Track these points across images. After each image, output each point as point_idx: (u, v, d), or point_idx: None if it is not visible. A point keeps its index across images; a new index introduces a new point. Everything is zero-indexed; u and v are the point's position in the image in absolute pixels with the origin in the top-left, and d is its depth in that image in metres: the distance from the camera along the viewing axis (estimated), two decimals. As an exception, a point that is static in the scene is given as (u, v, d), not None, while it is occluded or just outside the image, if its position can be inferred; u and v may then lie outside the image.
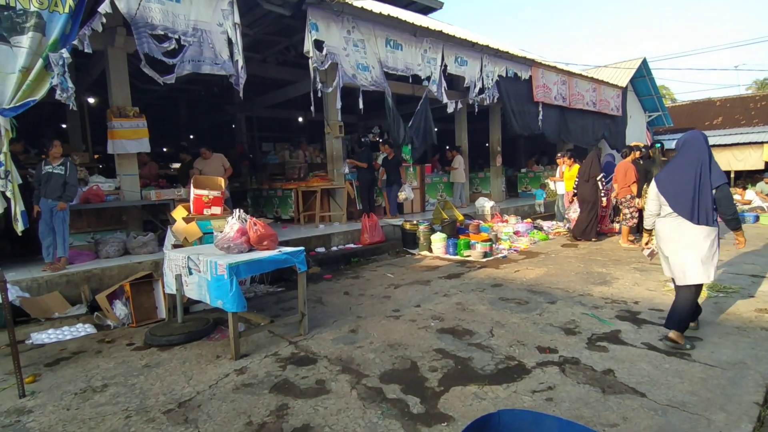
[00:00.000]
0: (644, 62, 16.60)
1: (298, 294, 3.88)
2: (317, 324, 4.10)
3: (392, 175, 9.05)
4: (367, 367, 3.11)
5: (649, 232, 3.88)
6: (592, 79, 13.51)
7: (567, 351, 3.27)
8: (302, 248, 3.86)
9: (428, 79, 8.70)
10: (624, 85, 15.19)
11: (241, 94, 6.41)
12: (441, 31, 8.57)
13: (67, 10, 4.82)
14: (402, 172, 9.13)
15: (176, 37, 5.60)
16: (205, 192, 5.30)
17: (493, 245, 7.31)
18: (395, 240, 8.04)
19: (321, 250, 7.07)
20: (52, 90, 4.81)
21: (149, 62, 5.38)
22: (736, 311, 4.00)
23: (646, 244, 3.99)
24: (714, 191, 3.19)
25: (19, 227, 4.77)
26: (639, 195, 6.85)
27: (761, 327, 3.60)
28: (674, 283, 3.49)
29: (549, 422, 1.50)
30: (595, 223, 7.76)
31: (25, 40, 4.63)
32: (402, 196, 8.96)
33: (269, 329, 3.97)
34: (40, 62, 4.71)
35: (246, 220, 3.81)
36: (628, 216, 7.23)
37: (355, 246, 7.48)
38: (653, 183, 3.51)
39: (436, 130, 9.90)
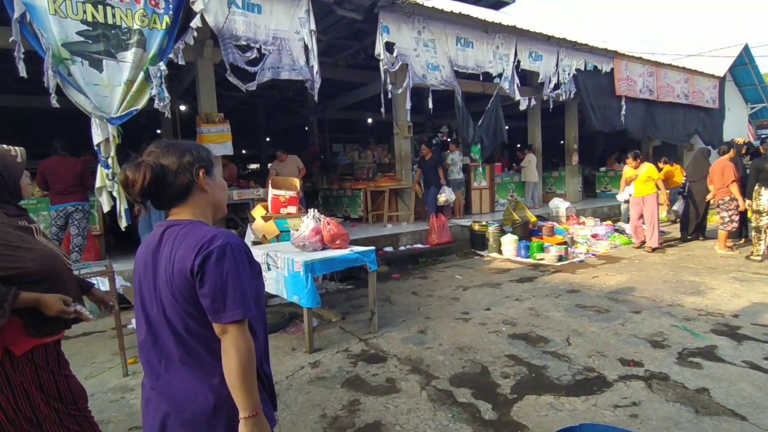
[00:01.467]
0: (746, 48, 14.83)
1: (368, 292, 3.96)
2: (386, 323, 4.16)
3: (430, 176, 8.41)
4: (437, 369, 3.10)
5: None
6: (683, 69, 12.32)
7: (654, 365, 3.03)
8: (373, 248, 3.94)
9: (500, 76, 8.46)
10: (721, 74, 13.67)
11: (316, 98, 6.67)
12: (514, 26, 8.28)
13: (164, 26, 5.32)
14: (441, 173, 8.37)
15: (257, 46, 5.97)
16: (281, 192, 5.59)
17: (569, 248, 6.95)
18: (463, 241, 7.93)
19: (389, 249, 7.16)
20: (150, 99, 5.34)
21: (233, 71, 5.79)
22: None
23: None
24: None
25: (123, 223, 5.35)
26: (749, 196, 6.10)
27: None
28: None
29: (637, 441, 1.41)
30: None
31: (129, 56, 5.18)
32: (442, 198, 8.25)
33: (340, 326, 4.09)
34: (141, 75, 5.25)
35: (320, 220, 3.97)
36: (727, 219, 6.51)
37: (422, 246, 7.48)
38: None
39: (507, 128, 9.61)
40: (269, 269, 4.07)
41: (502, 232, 7.50)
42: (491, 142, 8.98)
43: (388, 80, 7.12)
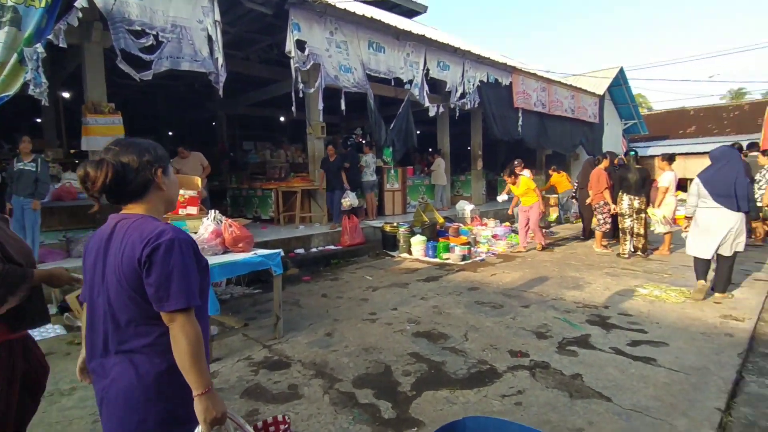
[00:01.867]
0: (621, 71, 17.01)
1: (273, 297, 3.85)
2: (293, 327, 4.08)
3: (333, 178, 8.01)
4: (341, 372, 3.11)
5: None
6: (570, 86, 13.78)
7: (538, 355, 3.33)
8: (278, 251, 3.84)
9: (410, 82, 8.74)
10: (601, 93, 15.54)
11: (221, 92, 6.35)
12: (423, 35, 8.62)
13: (43, 4, 4.71)
14: (344, 176, 8.04)
15: (154, 33, 5.52)
16: (180, 191, 5.22)
17: (472, 248, 7.39)
18: (375, 242, 8.06)
19: (300, 251, 7.04)
20: (25, 85, 4.69)
21: (126, 58, 5.29)
22: (702, 317, 4.13)
23: (686, 228, 5.01)
24: (741, 187, 4.37)
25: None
26: (615, 201, 7.00)
27: (725, 333, 3.73)
28: (716, 257, 4.60)
29: (513, 429, 1.53)
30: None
31: (1, 35, 4.51)
32: (346, 203, 7.95)
33: (243, 332, 3.93)
34: (14, 57, 4.61)
35: (221, 222, 3.78)
36: (602, 221, 7.40)
37: (335, 247, 7.46)
38: (695, 181, 4.70)
39: (418, 132, 9.96)
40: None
41: (412, 233, 7.75)
42: (402, 145, 9.25)
43: (300, 79, 7.00)
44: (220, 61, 6.12)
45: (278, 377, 3.06)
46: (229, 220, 3.82)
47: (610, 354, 3.35)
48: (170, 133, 14.50)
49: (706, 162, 4.84)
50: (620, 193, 6.78)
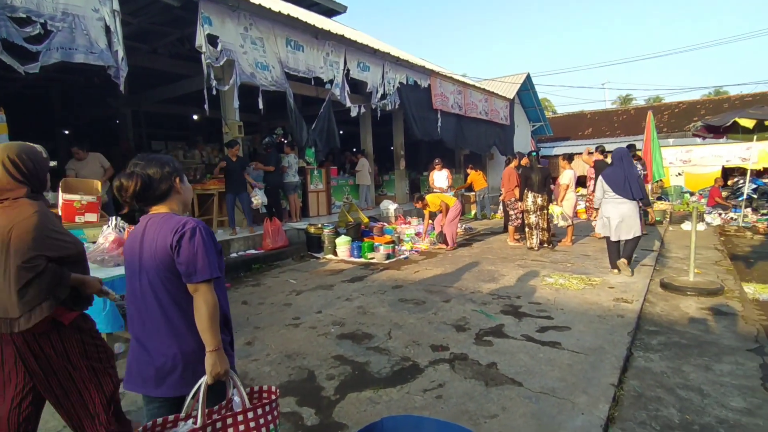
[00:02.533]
0: (528, 77, 18.34)
1: (187, 308, 3.61)
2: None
3: (237, 181, 7.34)
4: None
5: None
6: (483, 90, 14.58)
7: (457, 348, 3.48)
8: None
9: (331, 82, 8.69)
10: (511, 97, 16.64)
11: (121, 87, 5.81)
12: (343, 36, 8.61)
13: None
14: (248, 177, 7.56)
15: (42, 21, 4.92)
16: (76, 197, 4.71)
17: (396, 247, 7.53)
18: (300, 244, 7.90)
19: (218, 257, 6.68)
20: None
21: (9, 48, 4.66)
22: (599, 301, 4.59)
23: (594, 217, 5.98)
24: (633, 180, 5.36)
25: None
26: (521, 199, 7.51)
27: (617, 314, 4.17)
28: (622, 239, 5.57)
29: (429, 424, 1.58)
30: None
31: None
32: (256, 202, 7.55)
33: (154, 348, 3.64)
34: None
35: (124, 229, 3.47)
36: (513, 217, 7.92)
37: (256, 251, 7.19)
38: (600, 178, 5.67)
39: (341, 132, 9.93)
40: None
41: (337, 234, 7.71)
42: (325, 145, 9.17)
43: (213, 75, 6.64)
44: (121, 54, 5.61)
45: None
46: (133, 227, 3.52)
47: (522, 341, 3.59)
48: (65, 132, 13.02)
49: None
50: (525, 191, 7.31)
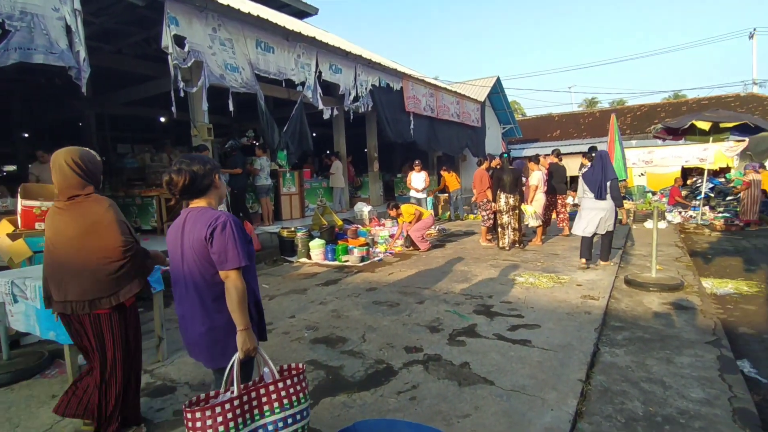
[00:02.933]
0: (498, 80, 18.71)
1: (154, 316, 3.51)
2: (179, 347, 3.76)
3: None
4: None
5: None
6: (455, 93, 14.77)
7: (431, 349, 3.51)
8: (157, 266, 3.50)
9: (303, 84, 8.61)
10: (482, 99, 16.92)
11: (83, 89, 5.60)
12: (314, 38, 8.55)
13: None
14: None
15: (-1, 20, 4.70)
16: (36, 203, 4.54)
17: (370, 249, 7.53)
18: (273, 248, 7.80)
19: (188, 263, 6.52)
20: None
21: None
22: (567, 299, 4.71)
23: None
24: (609, 183, 5.82)
25: None
26: (495, 199, 7.65)
27: (585, 311, 4.30)
28: (599, 232, 6.02)
29: (401, 427, 1.59)
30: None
31: None
32: None
33: (120, 358, 3.52)
34: None
35: (87, 237, 3.32)
36: (486, 217, 8.05)
37: (227, 257, 7.04)
38: (580, 179, 6.18)
39: (314, 135, 9.83)
40: (16, 301, 3.25)
41: (311, 237, 7.66)
42: (297, 148, 9.07)
43: (180, 77, 6.48)
44: (82, 54, 5.40)
45: (161, 404, 2.80)
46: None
47: (494, 340, 3.65)
48: (26, 135, 12.45)
49: (570, 161, 5.77)
50: (498, 192, 7.45)
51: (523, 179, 8.29)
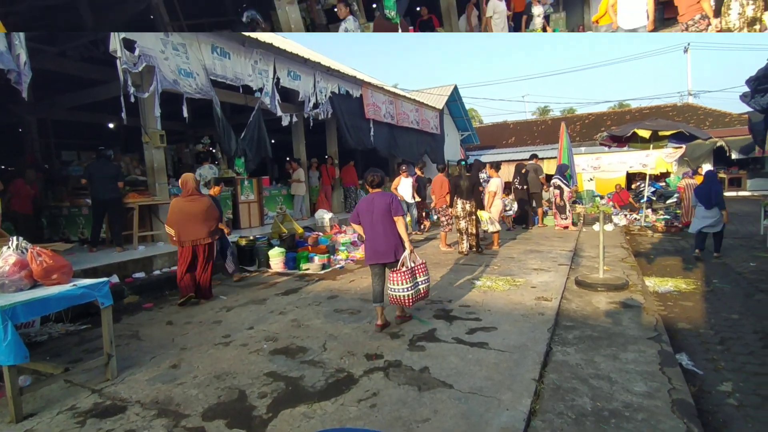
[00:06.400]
0: (455, 89, 19.19)
1: (103, 333, 3.35)
2: (130, 363, 3.60)
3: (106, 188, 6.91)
4: (189, 406, 2.85)
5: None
6: (414, 100, 15.02)
7: (391, 355, 3.54)
8: (105, 279, 3.35)
9: (260, 90, 8.50)
10: (440, 107, 17.30)
11: (24, 94, 5.29)
12: (271, 44, 8.47)
13: None
14: (121, 185, 7.25)
15: None
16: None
17: (331, 257, 7.49)
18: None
19: (140, 275, 6.25)
20: None
21: None
22: (522, 300, 4.88)
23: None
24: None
25: None
26: (451, 205, 7.80)
27: (539, 312, 4.47)
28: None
29: (359, 435, 1.60)
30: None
31: None
32: None
33: (65, 378, 3.32)
34: None
35: (26, 250, 3.14)
36: (445, 223, 8.21)
37: (182, 268, 6.80)
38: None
39: (273, 141, 9.69)
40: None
41: (270, 246, 7.53)
42: (255, 155, 8.92)
43: (131, 82, 6.25)
44: (23, 57, 5.12)
45: (111, 425, 2.67)
46: (38, 248, 3.20)
47: (453, 344, 3.73)
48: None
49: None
50: (455, 198, 7.62)
51: (483, 184, 8.54)
